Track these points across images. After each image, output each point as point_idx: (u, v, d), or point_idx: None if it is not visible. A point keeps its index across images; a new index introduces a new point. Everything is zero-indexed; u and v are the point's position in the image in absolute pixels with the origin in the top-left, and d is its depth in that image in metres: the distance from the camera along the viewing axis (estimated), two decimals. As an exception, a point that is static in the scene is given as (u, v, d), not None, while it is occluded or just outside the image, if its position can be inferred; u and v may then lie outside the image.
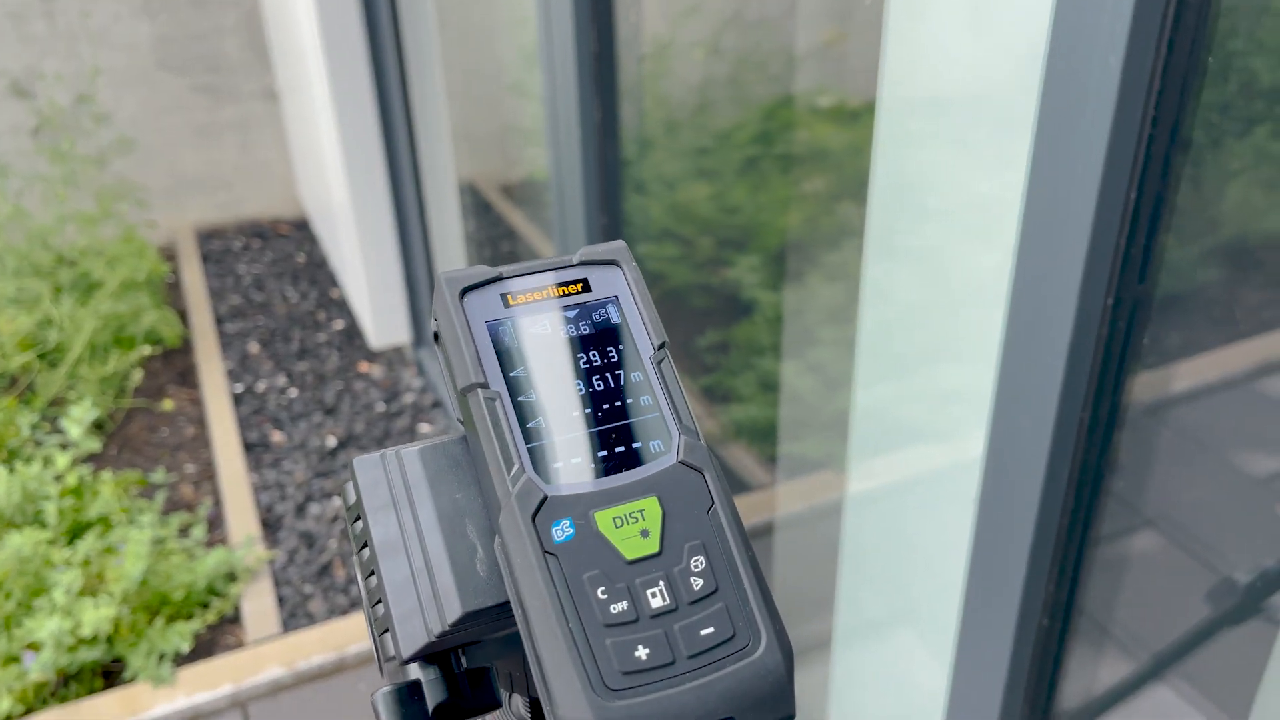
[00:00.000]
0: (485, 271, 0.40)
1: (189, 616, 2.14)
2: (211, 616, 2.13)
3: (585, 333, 0.40)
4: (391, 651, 0.39)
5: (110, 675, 2.04)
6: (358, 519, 0.41)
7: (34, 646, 1.94)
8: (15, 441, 2.53)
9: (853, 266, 1.21)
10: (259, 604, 2.20)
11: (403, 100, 2.74)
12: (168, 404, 2.97)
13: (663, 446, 0.39)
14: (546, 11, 1.62)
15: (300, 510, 2.51)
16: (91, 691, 1.98)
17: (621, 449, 0.38)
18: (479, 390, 0.38)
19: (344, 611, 2.20)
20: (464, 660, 0.42)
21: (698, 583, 0.37)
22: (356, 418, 2.88)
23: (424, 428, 2.86)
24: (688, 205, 1.98)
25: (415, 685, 0.41)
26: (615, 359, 0.40)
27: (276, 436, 2.80)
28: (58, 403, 2.83)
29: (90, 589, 2.06)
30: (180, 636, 2.03)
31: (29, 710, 1.92)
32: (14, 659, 1.94)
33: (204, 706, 1.94)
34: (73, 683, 2.00)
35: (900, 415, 1.15)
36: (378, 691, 0.42)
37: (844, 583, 1.35)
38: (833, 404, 1.54)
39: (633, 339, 0.41)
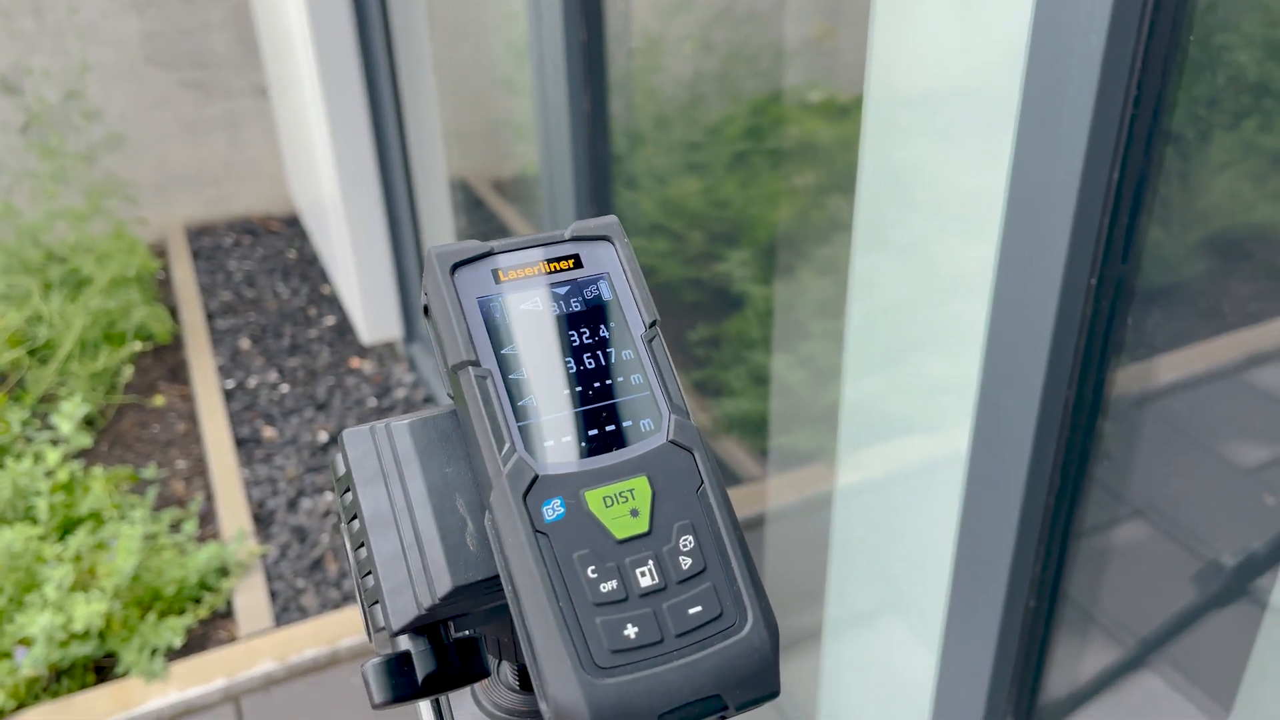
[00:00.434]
0: (476, 246, 0.40)
1: (181, 611, 2.14)
2: (203, 611, 2.13)
3: (576, 309, 0.40)
4: (381, 622, 0.40)
5: (102, 670, 2.04)
6: (347, 490, 0.41)
7: (26, 642, 1.94)
8: (6, 438, 2.53)
9: (842, 260, 1.22)
10: (251, 598, 2.20)
11: (393, 96, 2.74)
12: (159, 400, 2.96)
13: (653, 425, 0.39)
14: (536, 2, 1.63)
15: (292, 505, 2.51)
16: (84, 686, 1.98)
17: (612, 427, 0.39)
18: (470, 368, 0.38)
19: (336, 605, 2.20)
20: (453, 630, 0.43)
21: (686, 562, 0.37)
22: (348, 413, 2.89)
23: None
24: (678, 200, 1.99)
25: (405, 656, 0.42)
26: (606, 336, 0.40)
27: (268, 432, 2.80)
28: (48, 399, 2.82)
29: (82, 584, 2.06)
30: (172, 631, 2.03)
31: (21, 705, 1.92)
32: (6, 654, 1.94)
33: (196, 700, 1.94)
34: (64, 678, 2.00)
35: (888, 407, 1.16)
36: (367, 663, 0.42)
37: (834, 574, 1.36)
38: (823, 397, 1.54)
39: (624, 316, 0.40)
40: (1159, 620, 1.02)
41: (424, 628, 0.41)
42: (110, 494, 2.33)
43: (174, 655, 2.05)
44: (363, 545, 0.40)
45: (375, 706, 0.42)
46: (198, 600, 2.18)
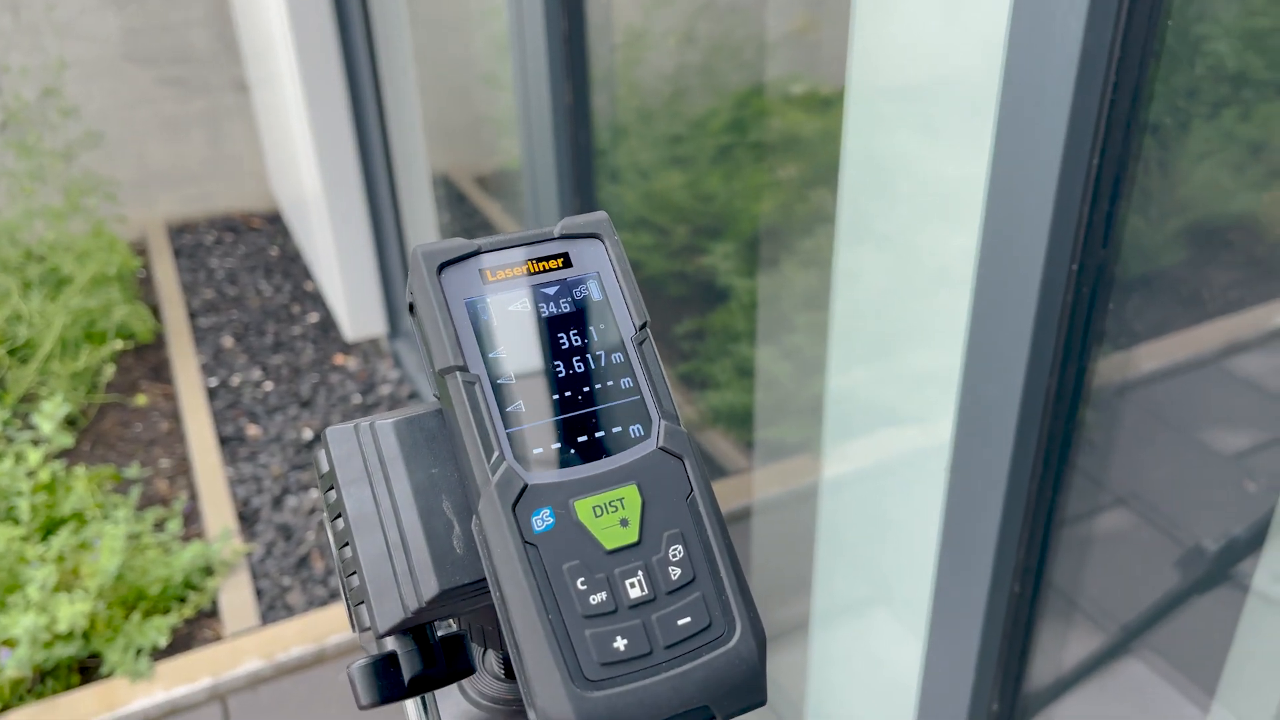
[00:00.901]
0: (463, 245, 0.39)
1: (166, 611, 2.13)
2: (189, 610, 2.12)
3: (566, 311, 0.39)
4: (367, 623, 0.39)
5: (87, 671, 2.03)
6: (331, 488, 0.40)
7: (9, 643, 1.93)
8: (-14, 438, 2.51)
9: (826, 252, 1.22)
10: (237, 597, 2.19)
11: (374, 92, 2.72)
12: (141, 399, 2.94)
13: (643, 431, 0.38)
14: (518, -3, 1.62)
15: (277, 503, 2.50)
16: (68, 687, 1.97)
17: (601, 434, 0.38)
18: (458, 373, 0.37)
19: (323, 603, 2.20)
20: (438, 628, 0.43)
21: (675, 572, 0.37)
22: (332, 410, 2.88)
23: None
24: (662, 193, 1.99)
25: (391, 656, 0.42)
26: (596, 339, 0.39)
27: (252, 430, 2.79)
28: (29, 398, 2.80)
29: (65, 585, 2.05)
30: (157, 631, 2.02)
31: (6, 707, 1.91)
32: (-11, 656, 1.93)
33: (182, 700, 1.93)
34: (49, 679, 1.98)
35: (873, 398, 1.17)
36: (353, 664, 0.42)
37: (820, 564, 1.36)
38: (807, 388, 1.55)
39: (614, 318, 0.40)
40: (1142, 606, 1.03)
41: (410, 628, 0.40)
42: (93, 494, 2.32)
43: (159, 655, 2.04)
44: (347, 545, 0.40)
45: (362, 708, 0.42)
46: (183, 599, 2.17)
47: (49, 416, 2.36)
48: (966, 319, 0.93)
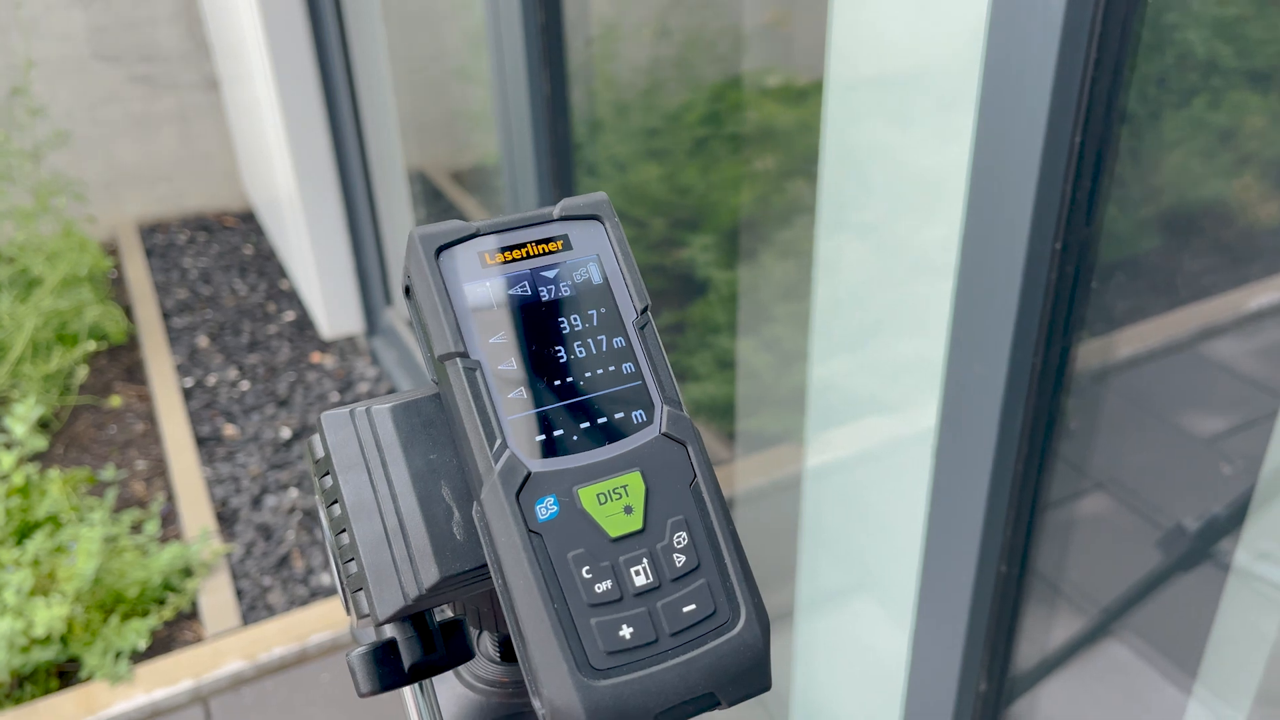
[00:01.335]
0: (461, 227, 0.38)
1: (145, 613, 2.11)
2: (168, 613, 2.10)
3: (566, 294, 0.39)
4: (365, 609, 0.39)
5: (66, 675, 2.01)
6: (326, 474, 0.40)
7: (-14, 649, 1.91)
8: (-42, 442, 2.48)
9: (804, 243, 1.22)
10: (217, 598, 2.18)
11: (349, 88, 2.71)
12: (115, 400, 2.91)
13: (645, 417, 0.38)
14: (494, -9, 1.62)
15: (256, 502, 2.48)
16: (47, 692, 1.95)
17: (604, 420, 0.38)
18: (458, 360, 0.37)
19: (304, 602, 2.18)
20: (436, 614, 0.42)
21: (680, 559, 0.36)
22: (310, 409, 2.86)
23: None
24: (640, 186, 1.99)
25: (390, 644, 0.41)
26: (597, 323, 0.39)
27: (229, 430, 2.77)
28: (1, 401, 2.77)
29: (42, 589, 2.03)
30: (136, 634, 2.00)
31: (-17, 713, 1.89)
32: (-35, 662, 1.90)
33: (164, 703, 1.92)
34: (27, 684, 1.96)
35: (856, 387, 1.17)
36: (353, 652, 0.42)
37: (804, 553, 1.37)
38: (789, 379, 1.55)
39: (615, 302, 0.39)
40: (1125, 587, 1.04)
41: (409, 615, 0.40)
42: (68, 496, 2.29)
43: (139, 658, 2.03)
44: (344, 531, 0.39)
45: (362, 695, 0.42)
46: (162, 601, 2.15)
47: (21, 419, 2.33)
48: (950, 301, 0.94)
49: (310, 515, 2.45)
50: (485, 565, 0.38)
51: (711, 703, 0.36)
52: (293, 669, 2.01)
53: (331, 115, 2.80)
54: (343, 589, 0.41)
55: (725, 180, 1.84)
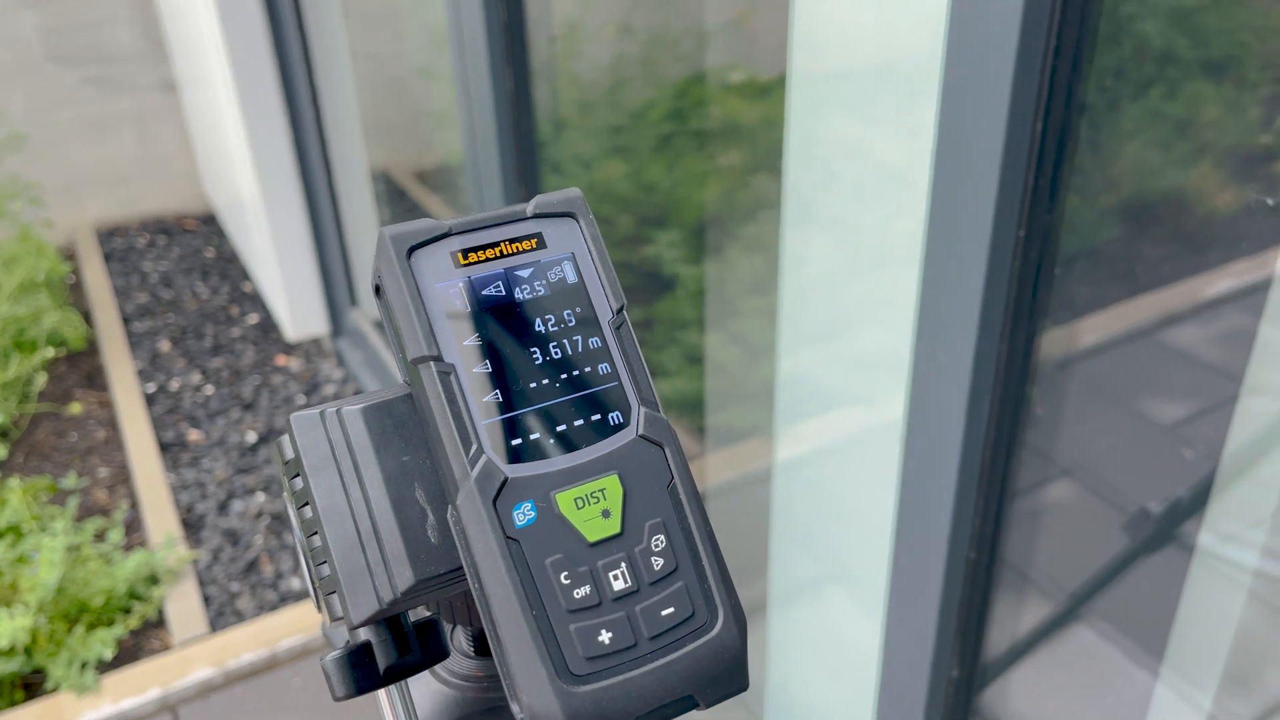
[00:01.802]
0: (433, 226, 0.37)
1: (110, 623, 2.08)
2: (134, 621, 2.07)
3: (541, 294, 0.38)
4: (339, 612, 0.38)
5: (31, 687, 1.98)
6: (296, 475, 0.39)
7: (-53, 662, 1.87)
8: (-86, 453, 2.43)
9: (770, 238, 1.23)
10: (184, 605, 2.15)
11: (309, 87, 2.68)
12: (75, 407, 2.87)
13: (622, 419, 0.38)
14: (455, -12, 1.61)
15: (223, 508, 2.46)
16: (12, 704, 1.92)
17: (580, 422, 0.37)
18: (432, 363, 0.36)
19: (274, 607, 2.16)
20: (410, 614, 0.42)
21: (658, 562, 0.36)
22: (276, 411, 2.83)
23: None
24: (605, 184, 1.98)
25: (365, 647, 0.41)
26: (573, 323, 0.38)
27: (194, 435, 2.74)
28: (-43, 411, 2.72)
29: (4, 600, 1.99)
30: (102, 643, 1.97)
31: (-55, 728, 1.85)
32: (-74, 676, 1.87)
33: (131, 712, 1.89)
34: (-10, 697, 1.93)
35: (824, 379, 1.18)
36: (327, 657, 0.41)
37: (776, 546, 1.37)
38: (757, 373, 1.56)
39: (590, 301, 0.39)
40: (1092, 572, 1.06)
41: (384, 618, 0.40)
42: (29, 506, 2.25)
43: (105, 668, 2.00)
44: (315, 533, 0.39)
45: (338, 699, 0.41)
46: (127, 610, 2.12)
47: (-20, 428, 2.29)
48: (916, 292, 0.95)
49: (278, 519, 2.43)
50: (461, 568, 0.38)
51: (690, 705, 0.36)
52: (263, 675, 1.99)
53: (292, 115, 2.77)
54: (315, 590, 0.40)
55: (690, 176, 1.84)
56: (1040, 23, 0.77)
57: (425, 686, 0.48)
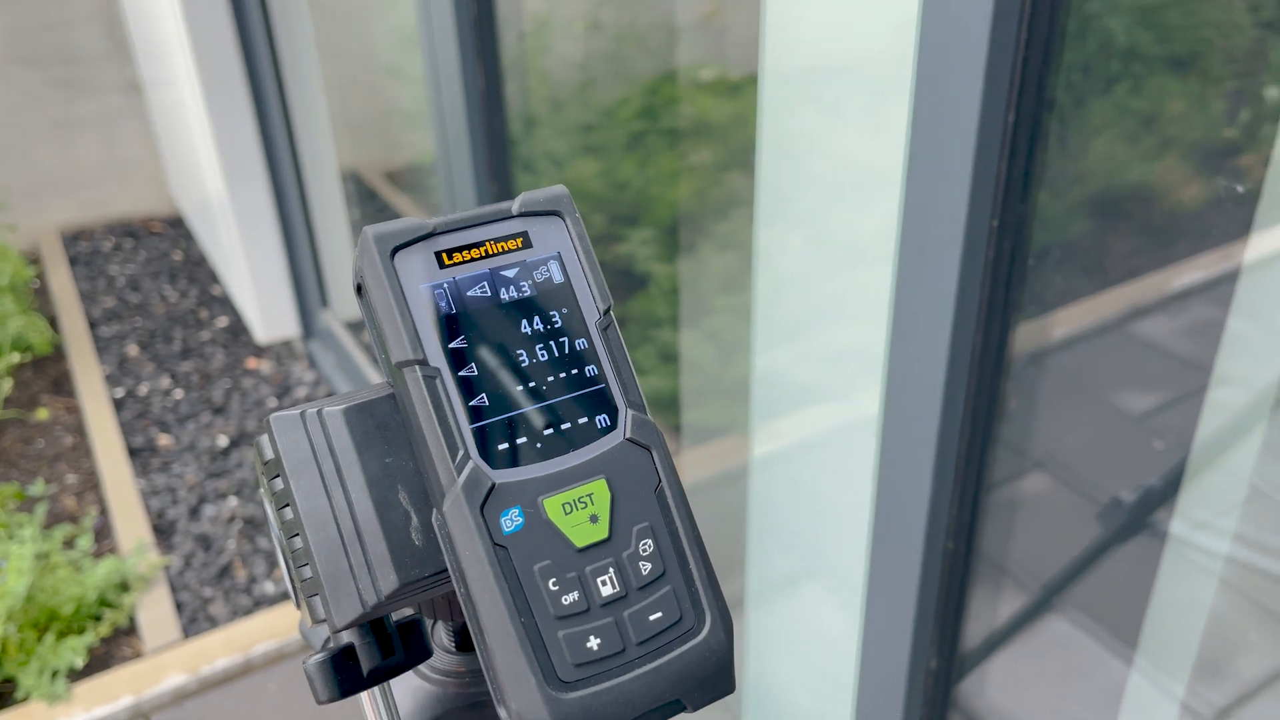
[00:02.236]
0: (417, 226, 0.36)
1: (81, 630, 2.06)
2: (105, 629, 2.05)
3: (527, 295, 0.37)
4: (321, 614, 0.38)
5: (1, 696, 1.95)
6: (276, 476, 0.38)
7: (-87, 674, 1.84)
8: (-124, 462, 2.39)
9: (743, 235, 1.23)
10: (156, 612, 2.13)
11: (278, 88, 2.66)
12: (42, 413, 2.83)
13: (609, 422, 0.37)
14: (425, -14, 1.60)
15: (194, 513, 2.43)
16: (-20, 716, 1.89)
17: (568, 425, 0.36)
18: (417, 367, 0.35)
19: (248, 612, 2.14)
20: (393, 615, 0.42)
21: (646, 567, 0.36)
22: (248, 415, 2.80)
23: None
24: (576, 182, 1.98)
25: (348, 650, 0.41)
26: (559, 325, 0.37)
27: (163, 440, 2.71)
28: (-79, 419, 2.67)
29: (-29, 610, 1.96)
30: (73, 651, 1.95)
31: (-88, 741, 1.82)
32: (-108, 689, 1.84)
33: (104, 721, 1.87)
34: (-41, 709, 1.90)
35: (799, 376, 1.18)
36: (309, 660, 0.41)
37: (753, 542, 1.38)
38: (732, 370, 1.56)
39: (577, 302, 0.38)
40: (1067, 561, 1.07)
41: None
42: (-4, 514, 2.22)
43: (76, 676, 1.97)
44: (297, 535, 0.38)
45: (321, 703, 0.41)
46: (98, 618, 2.10)
47: (-56, 435, 2.25)
48: (890, 286, 0.95)
49: (251, 524, 2.40)
50: (445, 570, 0.38)
51: (678, 708, 0.36)
52: (237, 680, 1.98)
53: (260, 115, 2.74)
54: (295, 590, 0.40)
55: (663, 174, 1.84)
56: (1011, 16, 0.78)
57: (406, 683, 0.48)
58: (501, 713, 0.34)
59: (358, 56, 2.65)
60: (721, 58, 1.67)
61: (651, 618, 0.36)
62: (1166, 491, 0.91)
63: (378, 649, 0.41)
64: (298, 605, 0.40)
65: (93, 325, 3.26)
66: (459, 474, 0.35)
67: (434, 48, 1.64)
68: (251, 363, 3.05)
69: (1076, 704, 1.08)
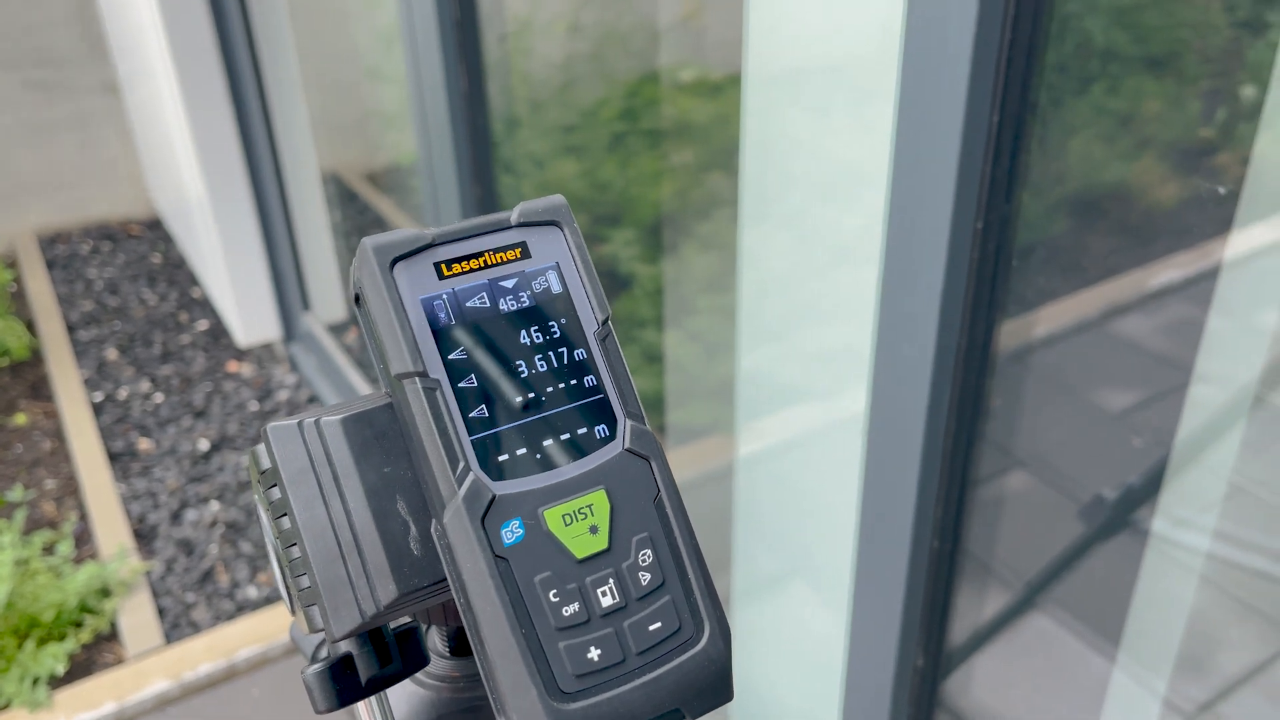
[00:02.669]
0: (416, 237, 0.36)
1: (62, 637, 2.04)
2: (86, 635, 2.03)
3: (526, 305, 0.37)
4: (319, 624, 0.38)
5: (-21, 706, 1.93)
6: (273, 486, 0.38)
7: (-109, 683, 1.82)
8: None
9: (727, 235, 1.23)
10: (137, 618, 2.11)
11: (257, 89, 2.64)
12: (20, 418, 2.80)
13: (608, 432, 0.37)
14: (406, -13, 1.60)
15: (176, 517, 2.42)
16: (-40, 724, 1.87)
17: (568, 436, 0.37)
18: (417, 379, 0.35)
19: (231, 617, 2.13)
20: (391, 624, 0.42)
21: (645, 577, 0.36)
22: (229, 418, 2.79)
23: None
24: (558, 183, 1.98)
25: (346, 659, 0.41)
26: (558, 335, 0.38)
27: (144, 444, 2.69)
28: (-104, 424, 2.64)
29: (-50, 617, 1.94)
30: (54, 658, 1.93)
31: (-110, 751, 1.80)
32: None
33: (86, 728, 1.86)
34: (-62, 717, 1.88)
35: (785, 375, 1.19)
36: (308, 670, 0.41)
37: (739, 542, 1.38)
38: (716, 370, 1.57)
39: (575, 312, 0.38)
40: (1051, 559, 1.07)
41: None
42: (-26, 520, 2.20)
43: (58, 683, 1.95)
44: (294, 545, 0.38)
45: (319, 713, 0.41)
46: (79, 624, 2.08)
47: (-79, 441, 2.23)
48: (876, 286, 0.96)
49: (233, 528, 2.39)
50: (444, 580, 0.38)
51: (678, 718, 0.36)
52: (221, 686, 1.96)
53: (240, 117, 2.73)
54: (290, 597, 0.40)
55: (645, 175, 1.84)
56: (995, 16, 0.79)
57: (401, 689, 0.48)
58: None
59: (339, 57, 2.64)
60: (702, 58, 1.67)
61: (651, 628, 0.36)
62: (1148, 489, 0.92)
63: (375, 658, 0.41)
64: (293, 612, 0.40)
65: (71, 329, 3.23)
66: (460, 486, 0.35)
67: (416, 48, 1.64)
68: (232, 366, 3.04)
69: (1061, 701, 1.09)
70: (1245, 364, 0.84)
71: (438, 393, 0.35)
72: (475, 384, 0.36)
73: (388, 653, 0.41)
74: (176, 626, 2.11)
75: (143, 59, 2.96)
